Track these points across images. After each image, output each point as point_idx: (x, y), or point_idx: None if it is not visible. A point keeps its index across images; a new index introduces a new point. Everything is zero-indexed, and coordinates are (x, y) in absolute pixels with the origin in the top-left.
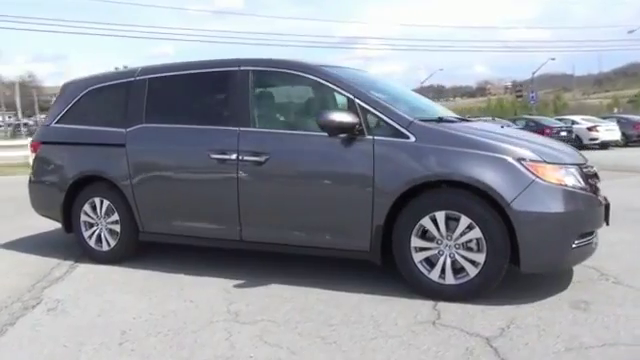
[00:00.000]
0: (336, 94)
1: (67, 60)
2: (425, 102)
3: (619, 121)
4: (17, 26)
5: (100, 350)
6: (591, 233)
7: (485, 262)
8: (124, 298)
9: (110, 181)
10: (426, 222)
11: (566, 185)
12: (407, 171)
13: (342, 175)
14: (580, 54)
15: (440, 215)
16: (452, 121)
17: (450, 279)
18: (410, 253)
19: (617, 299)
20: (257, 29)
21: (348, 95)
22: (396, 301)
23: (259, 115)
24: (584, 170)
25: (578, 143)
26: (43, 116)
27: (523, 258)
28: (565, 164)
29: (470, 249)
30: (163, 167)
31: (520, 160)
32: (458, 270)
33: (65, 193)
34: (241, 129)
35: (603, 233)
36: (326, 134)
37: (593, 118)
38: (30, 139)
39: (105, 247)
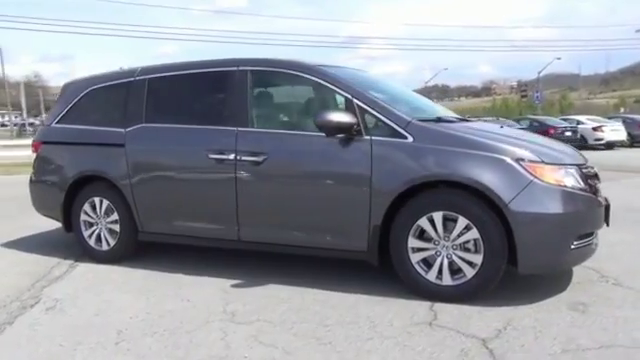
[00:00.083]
0: (334, 94)
1: (73, 60)
2: (425, 102)
3: (625, 121)
4: (24, 26)
5: (96, 349)
6: (591, 234)
7: (482, 263)
8: (122, 297)
9: (110, 181)
10: (423, 223)
11: (565, 186)
12: (405, 171)
13: (340, 175)
14: (587, 53)
15: (437, 216)
16: (451, 121)
17: (447, 280)
18: (407, 254)
19: (616, 301)
20: (261, 29)
21: (346, 95)
22: (393, 302)
23: (257, 115)
24: (584, 171)
25: (583, 143)
26: None
27: (521, 259)
28: (564, 164)
29: (467, 250)
30: (162, 167)
31: (518, 160)
32: (455, 271)
33: (65, 193)
34: (239, 129)
35: (604, 234)
36: (324, 134)
37: (598, 118)
38: None
39: (105, 247)
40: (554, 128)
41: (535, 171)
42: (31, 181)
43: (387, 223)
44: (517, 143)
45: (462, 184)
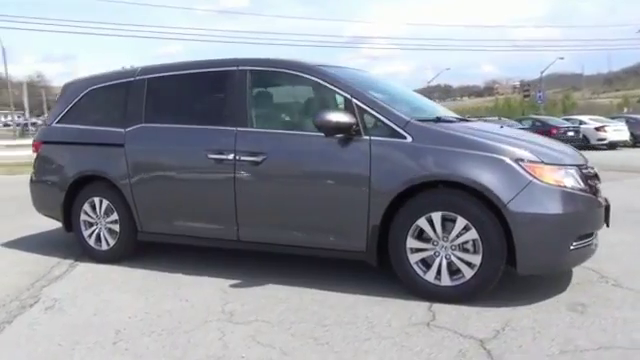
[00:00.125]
0: (334, 94)
1: (76, 60)
2: (425, 102)
3: (628, 121)
4: (27, 27)
5: (94, 349)
6: (590, 235)
7: (481, 264)
8: (121, 297)
9: (109, 181)
10: (422, 223)
11: (564, 186)
12: (403, 171)
13: (339, 175)
14: (590, 53)
15: (436, 216)
16: (450, 121)
17: (446, 280)
18: (406, 254)
19: (615, 302)
20: (264, 29)
21: (345, 95)
22: (391, 302)
23: (256, 115)
24: (584, 171)
25: (585, 143)
26: None
27: (520, 260)
28: (564, 165)
29: (466, 250)
30: (161, 167)
31: (518, 161)
32: (454, 271)
33: (65, 192)
34: (238, 129)
35: (604, 234)
36: (323, 134)
37: (601, 118)
38: None
39: (104, 246)
40: (556, 128)
41: (534, 171)
42: (31, 181)
43: (386, 223)
44: (516, 143)
45: (461, 184)
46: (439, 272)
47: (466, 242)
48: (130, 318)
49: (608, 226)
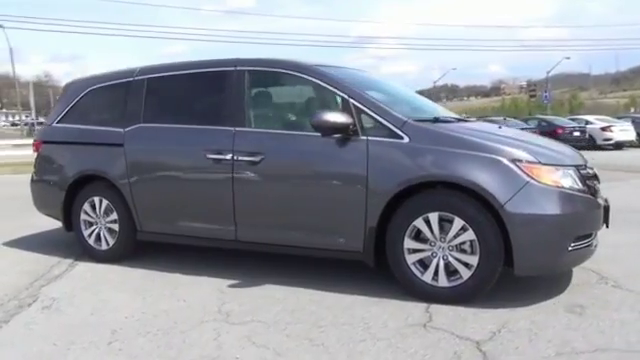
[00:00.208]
0: (331, 94)
1: (83, 60)
2: (425, 103)
3: (634, 121)
4: (34, 27)
5: (89, 349)
6: (589, 235)
7: (479, 264)
8: (119, 297)
9: (109, 180)
10: (419, 223)
11: (562, 187)
12: (400, 172)
13: (336, 175)
14: (597, 53)
15: (433, 216)
16: (448, 121)
17: (443, 281)
18: (403, 255)
19: (614, 303)
20: (269, 28)
21: (343, 95)
22: (389, 303)
23: (254, 115)
24: (582, 172)
25: (592, 143)
26: None
27: (517, 261)
28: (562, 165)
29: (464, 251)
30: (160, 167)
31: (515, 161)
32: (451, 272)
33: (65, 192)
34: (236, 129)
35: (607, 235)
36: (320, 134)
37: (607, 118)
38: None
39: (104, 246)
40: (562, 128)
41: (532, 172)
42: (32, 180)
43: (383, 224)
44: (514, 144)
45: (458, 185)
46: (436, 273)
47: (463, 243)
48: (127, 318)
49: (608, 227)
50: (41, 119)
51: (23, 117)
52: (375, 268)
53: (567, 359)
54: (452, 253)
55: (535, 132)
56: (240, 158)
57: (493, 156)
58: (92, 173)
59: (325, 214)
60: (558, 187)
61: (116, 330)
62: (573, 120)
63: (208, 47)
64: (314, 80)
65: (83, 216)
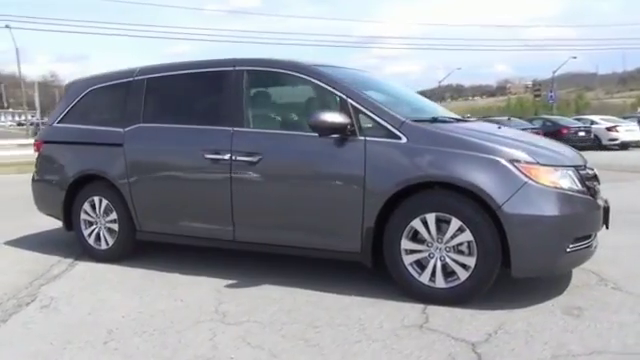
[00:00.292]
0: (329, 94)
1: (89, 60)
2: (426, 103)
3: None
4: (40, 27)
5: (85, 348)
6: (588, 237)
7: (476, 265)
8: (117, 297)
9: (109, 180)
10: (416, 224)
11: (561, 187)
12: (398, 172)
13: (334, 176)
14: (604, 52)
15: (431, 217)
16: (447, 121)
17: (440, 282)
18: (400, 255)
19: (613, 305)
20: (274, 28)
21: (341, 95)
22: (385, 304)
23: (253, 115)
24: (582, 172)
25: (597, 143)
26: None
27: (514, 262)
28: (560, 166)
29: (461, 252)
30: (159, 167)
31: (513, 162)
32: (449, 273)
33: (66, 192)
34: (235, 129)
35: (608, 236)
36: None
37: (613, 118)
38: None
39: (104, 245)
40: (567, 128)
41: (530, 172)
42: (33, 180)
43: (381, 224)
44: (512, 144)
45: (455, 185)
46: (433, 274)
47: (461, 244)
48: (123, 317)
49: (607, 228)
50: (46, 119)
51: (29, 117)
52: (373, 269)
53: None
54: (449, 254)
55: (539, 132)
56: (238, 158)
57: (491, 156)
58: (92, 173)
59: (323, 214)
60: (556, 188)
61: (112, 330)
62: (578, 120)
63: (212, 47)
64: (312, 80)
65: (83, 216)
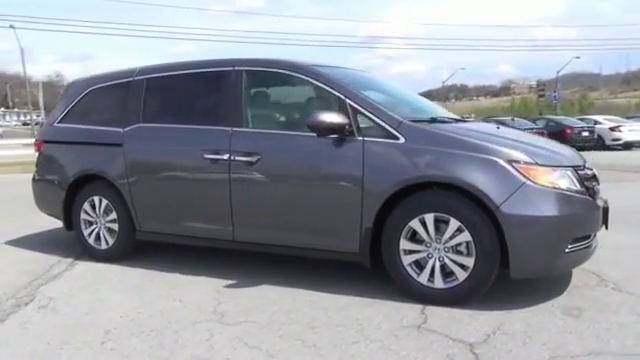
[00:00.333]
0: (328, 94)
1: (94, 60)
2: (426, 104)
3: None
4: (45, 27)
5: (82, 349)
6: (587, 237)
7: (474, 266)
8: (115, 296)
9: (108, 180)
10: (415, 224)
11: (559, 188)
12: (396, 172)
13: (332, 176)
14: (608, 52)
15: (429, 217)
16: (445, 122)
17: (439, 283)
18: (399, 256)
19: (613, 306)
20: (278, 29)
21: (339, 95)
22: (384, 304)
23: (252, 115)
24: (580, 173)
25: (600, 143)
26: None
27: (513, 262)
28: (559, 166)
29: (460, 252)
30: (158, 167)
31: (511, 162)
32: (447, 274)
33: (66, 191)
34: (234, 129)
35: (609, 236)
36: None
37: (616, 118)
38: None
39: (104, 245)
40: (570, 128)
41: (528, 173)
42: (34, 180)
43: (379, 224)
44: (511, 144)
45: (453, 186)
46: (432, 274)
47: (459, 244)
48: (122, 317)
49: (607, 228)
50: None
51: (34, 117)
52: (371, 269)
53: None
54: (448, 254)
55: (543, 133)
56: (237, 158)
57: (489, 157)
58: (92, 173)
59: (321, 215)
60: (555, 188)
61: (110, 330)
62: (582, 120)
63: (217, 47)
64: (311, 80)
65: (83, 215)
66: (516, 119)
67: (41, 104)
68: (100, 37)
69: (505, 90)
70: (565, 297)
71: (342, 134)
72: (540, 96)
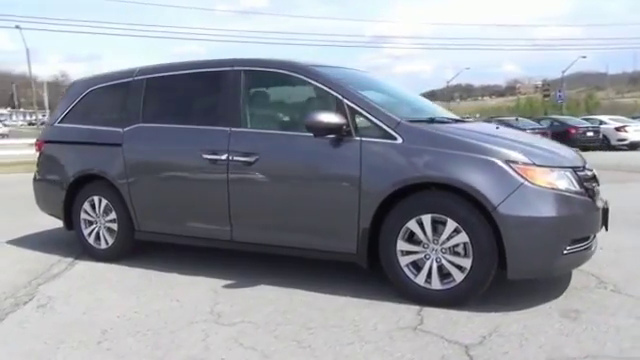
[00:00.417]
0: (326, 94)
1: (99, 60)
2: (426, 104)
3: None
4: (51, 27)
5: (78, 348)
6: (586, 238)
7: (472, 267)
8: (114, 296)
9: (108, 180)
10: (412, 225)
11: (558, 189)
12: (393, 173)
13: (329, 176)
14: (614, 52)
15: (426, 218)
16: (444, 122)
17: (436, 284)
18: (396, 256)
19: (611, 308)
20: (284, 28)
21: (337, 95)
22: (381, 305)
23: (250, 115)
24: (580, 173)
25: (606, 143)
26: None
27: (510, 264)
28: (558, 167)
29: (457, 254)
30: (157, 167)
31: (509, 162)
32: (445, 275)
33: (66, 191)
34: (232, 129)
35: (610, 237)
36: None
37: (622, 118)
38: None
39: (103, 245)
40: (575, 128)
41: (526, 173)
42: (35, 179)
43: (377, 225)
44: (509, 145)
45: (451, 186)
46: (429, 275)
47: (456, 245)
48: (118, 317)
49: (607, 230)
50: None
51: (40, 116)
52: (369, 270)
53: None
54: (445, 255)
55: (547, 133)
56: (235, 158)
57: (487, 157)
58: (92, 172)
59: (319, 215)
60: (553, 189)
61: (107, 330)
62: (587, 120)
63: (221, 47)
64: (309, 80)
65: (83, 215)
66: (520, 119)
67: (46, 104)
68: (105, 37)
69: (510, 90)
70: (563, 299)
71: (339, 134)
72: (545, 96)
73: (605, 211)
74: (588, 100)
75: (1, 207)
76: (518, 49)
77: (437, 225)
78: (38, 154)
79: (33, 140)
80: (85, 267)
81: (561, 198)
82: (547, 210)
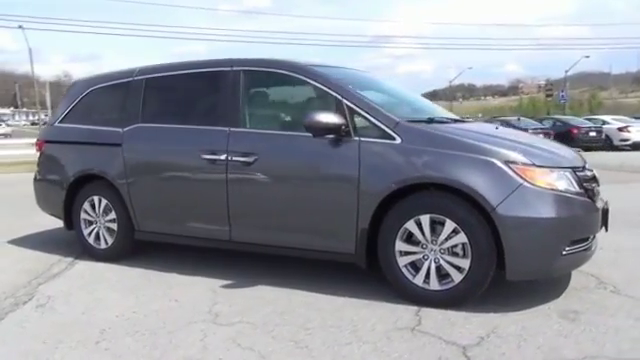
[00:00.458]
0: (325, 94)
1: (102, 60)
2: (426, 104)
3: None
4: (54, 27)
5: (76, 348)
6: (586, 239)
7: (470, 268)
8: (113, 296)
9: (108, 180)
10: (411, 226)
11: (557, 189)
12: (392, 173)
13: (328, 176)
14: (618, 51)
15: (425, 219)
16: (443, 122)
17: (435, 284)
18: (395, 257)
19: (610, 309)
20: (286, 28)
21: (336, 95)
22: (379, 306)
23: (249, 115)
24: (579, 174)
25: (609, 144)
26: None
27: (509, 264)
28: (557, 167)
29: (455, 254)
30: (156, 167)
31: (508, 163)
32: (443, 275)
33: (66, 191)
34: (231, 129)
35: (611, 237)
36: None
37: (625, 118)
38: None
39: (103, 245)
40: (578, 128)
41: (525, 174)
42: (35, 179)
43: (375, 225)
44: (508, 145)
45: (450, 187)
46: (428, 276)
47: (455, 246)
48: (117, 317)
49: (607, 230)
50: None
51: (42, 116)
52: (367, 270)
53: None
54: (444, 256)
55: (550, 133)
56: (234, 158)
57: (486, 158)
58: (92, 172)
59: (317, 215)
60: (553, 190)
61: (105, 329)
62: (589, 120)
63: (224, 47)
64: (308, 80)
65: (83, 215)
66: (522, 119)
67: (49, 104)
68: (108, 37)
69: (513, 90)
70: (562, 300)
71: (338, 134)
72: (548, 96)
73: (605, 211)
74: (591, 100)
75: (3, 207)
76: (521, 49)
77: (436, 225)
78: (38, 154)
79: (34, 140)
80: (85, 267)
81: (560, 199)
82: (546, 211)
